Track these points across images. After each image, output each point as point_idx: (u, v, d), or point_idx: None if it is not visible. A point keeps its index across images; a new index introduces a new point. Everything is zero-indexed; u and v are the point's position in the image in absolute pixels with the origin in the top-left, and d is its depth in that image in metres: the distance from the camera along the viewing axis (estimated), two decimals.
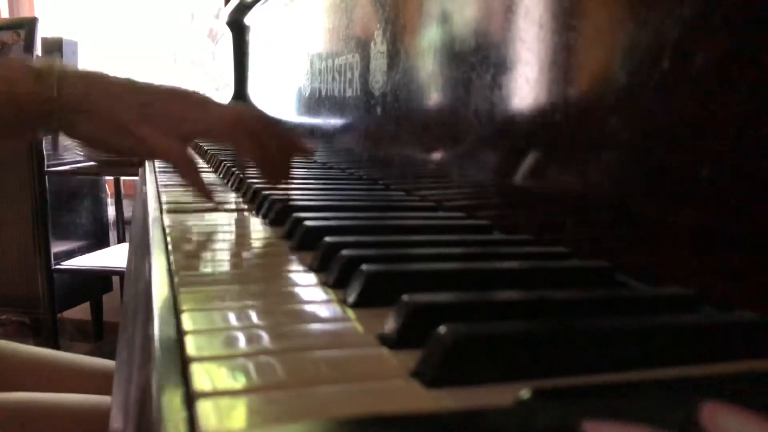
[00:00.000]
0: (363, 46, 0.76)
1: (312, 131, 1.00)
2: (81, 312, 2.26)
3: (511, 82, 0.45)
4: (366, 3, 0.75)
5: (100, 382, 0.74)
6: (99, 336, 2.26)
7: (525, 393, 0.20)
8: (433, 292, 0.28)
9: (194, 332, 0.26)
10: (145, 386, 0.26)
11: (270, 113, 1.33)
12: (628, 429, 0.17)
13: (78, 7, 2.54)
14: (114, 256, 2.05)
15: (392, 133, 0.67)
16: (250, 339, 0.26)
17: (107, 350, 2.04)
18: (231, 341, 0.26)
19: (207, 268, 0.37)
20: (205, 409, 0.20)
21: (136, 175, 1.49)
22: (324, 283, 0.35)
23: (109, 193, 2.26)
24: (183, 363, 0.24)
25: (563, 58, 0.40)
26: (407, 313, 0.26)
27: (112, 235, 2.29)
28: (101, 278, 2.21)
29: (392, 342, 0.26)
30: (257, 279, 0.35)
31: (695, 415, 0.18)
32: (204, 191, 0.53)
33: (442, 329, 0.23)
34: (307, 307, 0.31)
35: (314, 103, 0.98)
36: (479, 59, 0.50)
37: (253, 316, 0.29)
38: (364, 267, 0.32)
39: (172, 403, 0.21)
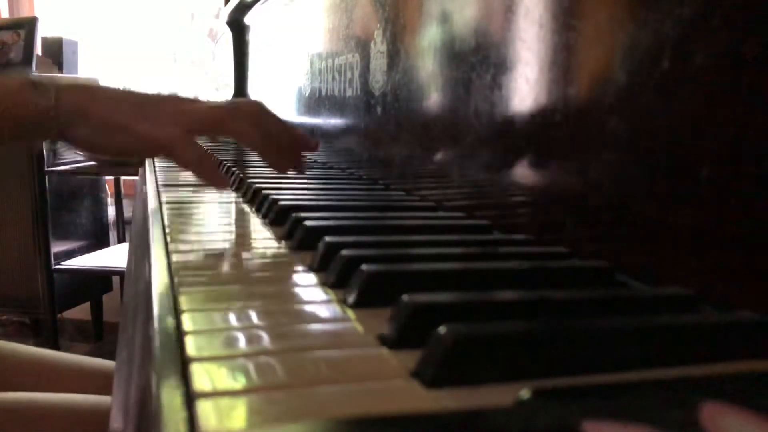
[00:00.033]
0: (363, 46, 0.76)
1: (312, 131, 1.00)
2: (81, 312, 2.26)
3: (511, 82, 0.45)
4: (366, 3, 0.75)
5: (100, 382, 0.74)
6: (99, 336, 2.26)
7: (525, 393, 0.20)
8: (433, 292, 0.28)
9: (194, 332, 0.26)
10: (145, 386, 0.26)
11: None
12: (628, 429, 0.17)
13: (78, 7, 2.54)
14: (114, 256, 2.05)
15: (392, 133, 0.67)
16: (250, 339, 0.26)
17: (107, 350, 2.04)
18: (231, 341, 0.26)
19: (207, 269, 0.37)
20: (205, 409, 0.20)
21: (136, 175, 1.49)
22: (324, 283, 0.35)
23: (109, 193, 2.26)
24: (183, 363, 0.24)
25: (563, 58, 0.40)
26: (407, 313, 0.26)
27: (112, 235, 2.29)
28: (101, 278, 2.21)
29: (392, 342, 0.26)
30: (257, 279, 0.35)
31: (695, 415, 0.18)
32: (214, 180, 0.52)
33: (442, 329, 0.23)
34: (307, 307, 0.31)
35: (314, 102, 0.98)
36: (479, 59, 0.50)
37: (253, 317, 0.29)
38: (364, 267, 0.32)
39: (172, 403, 0.21)
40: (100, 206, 2.26)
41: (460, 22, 0.53)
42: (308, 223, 0.44)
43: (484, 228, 0.48)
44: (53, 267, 1.96)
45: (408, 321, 0.25)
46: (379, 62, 0.70)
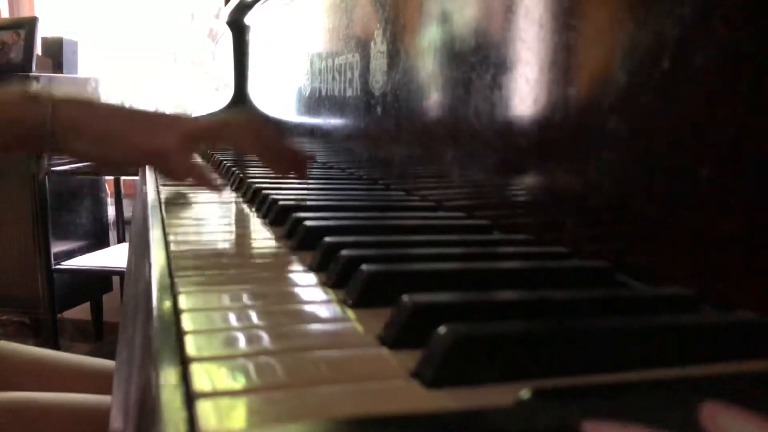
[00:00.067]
0: (363, 46, 0.76)
1: (312, 131, 1.00)
2: (81, 312, 2.26)
3: (511, 82, 0.45)
4: (366, 3, 0.75)
5: (100, 382, 0.74)
6: (99, 336, 2.26)
7: (525, 393, 0.20)
8: (433, 292, 0.28)
9: (194, 332, 0.26)
10: (145, 386, 0.26)
11: (270, 113, 1.33)
12: (628, 429, 0.17)
13: (78, 7, 2.54)
14: (114, 256, 2.05)
15: (392, 133, 0.67)
16: (250, 339, 0.26)
17: (107, 350, 2.04)
18: (231, 341, 0.26)
19: (207, 269, 0.37)
20: (205, 409, 0.20)
21: (136, 175, 1.49)
22: (324, 283, 0.35)
23: (109, 193, 2.26)
24: (183, 363, 0.24)
25: (563, 58, 0.40)
26: (407, 313, 0.26)
27: (112, 235, 2.29)
28: (101, 278, 2.21)
29: (392, 342, 0.26)
30: (257, 279, 0.35)
31: (695, 415, 0.18)
32: (208, 185, 0.53)
33: (442, 329, 0.23)
34: (307, 307, 0.31)
35: (314, 102, 0.98)
36: (479, 59, 0.50)
37: (253, 317, 0.29)
38: (364, 267, 0.32)
39: (172, 403, 0.21)
40: (100, 206, 2.26)
41: (460, 22, 0.53)
42: (308, 223, 0.44)
43: (484, 228, 0.48)
44: (53, 267, 1.96)
45: (408, 321, 0.25)
46: (379, 62, 0.70)
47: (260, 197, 0.58)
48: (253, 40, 1.49)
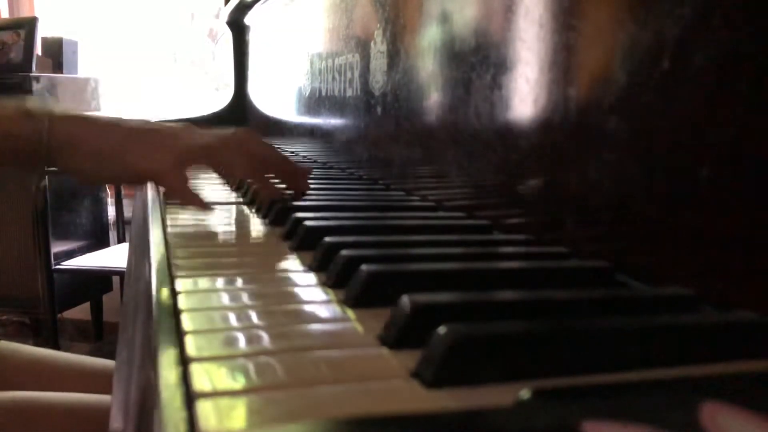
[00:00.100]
0: (363, 46, 0.76)
1: (312, 131, 1.00)
2: (81, 312, 2.26)
3: (511, 82, 0.45)
4: (366, 3, 0.75)
5: (100, 382, 0.74)
6: (99, 336, 2.26)
7: (525, 393, 0.20)
8: (433, 292, 0.28)
9: (194, 332, 0.26)
10: (145, 386, 0.26)
11: (270, 113, 1.33)
12: (628, 429, 0.17)
13: (78, 7, 2.54)
14: (114, 256, 2.05)
15: (392, 133, 0.67)
16: (250, 339, 0.26)
17: (107, 350, 2.04)
18: (231, 341, 0.26)
19: (207, 269, 0.37)
20: (204, 409, 0.20)
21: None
22: (324, 283, 0.35)
23: (109, 193, 2.26)
24: (183, 363, 0.24)
25: (563, 58, 0.40)
26: (407, 313, 0.26)
27: (112, 235, 2.29)
28: (101, 278, 2.21)
29: (392, 342, 0.26)
30: (257, 279, 0.35)
31: (695, 415, 0.18)
32: (198, 206, 0.53)
33: (442, 329, 0.23)
34: (307, 308, 0.31)
35: (314, 103, 0.98)
36: (479, 59, 0.50)
37: (253, 317, 0.29)
38: (363, 267, 0.32)
39: (172, 403, 0.21)
40: (100, 206, 2.26)
41: (460, 22, 0.53)
42: (308, 223, 0.44)
43: (484, 228, 0.48)
44: (53, 267, 1.96)
45: (408, 321, 0.25)
46: (379, 62, 0.70)
47: (260, 198, 0.58)
48: (253, 40, 1.49)
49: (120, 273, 1.97)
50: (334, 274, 0.34)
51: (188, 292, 0.32)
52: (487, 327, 0.23)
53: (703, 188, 0.30)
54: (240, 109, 1.54)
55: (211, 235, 0.50)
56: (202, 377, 0.22)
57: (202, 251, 0.43)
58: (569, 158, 0.39)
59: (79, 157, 0.50)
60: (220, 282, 0.35)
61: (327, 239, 0.38)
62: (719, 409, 0.18)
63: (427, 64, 0.59)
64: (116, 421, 0.35)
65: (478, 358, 0.22)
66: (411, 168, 0.64)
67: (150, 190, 0.67)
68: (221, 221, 0.55)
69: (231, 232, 0.52)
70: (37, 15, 2.33)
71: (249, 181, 0.63)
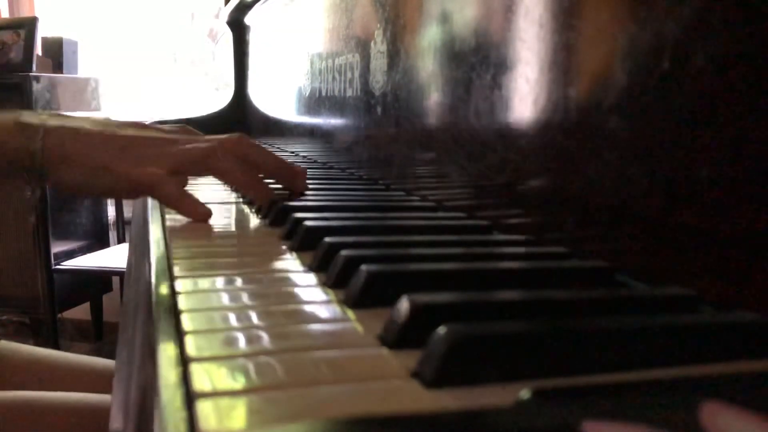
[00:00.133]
0: (363, 46, 0.76)
1: (312, 131, 1.00)
2: (81, 312, 2.26)
3: (511, 82, 0.45)
4: (366, 3, 0.75)
5: (100, 382, 0.75)
6: (99, 336, 2.26)
7: (525, 393, 0.20)
8: (433, 292, 0.28)
9: (194, 332, 0.26)
10: (145, 386, 0.26)
11: (270, 113, 1.33)
12: (628, 429, 0.17)
13: (78, 7, 2.54)
14: (114, 256, 2.05)
15: (392, 133, 0.67)
16: (250, 339, 0.26)
17: (107, 350, 2.04)
18: (231, 341, 0.26)
19: (207, 269, 0.37)
20: (204, 409, 0.20)
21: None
22: (324, 284, 0.35)
23: None
24: (183, 363, 0.24)
25: (563, 58, 0.40)
26: (407, 313, 0.26)
27: (112, 235, 2.30)
28: (101, 278, 2.21)
29: (392, 342, 0.26)
30: (257, 279, 0.35)
31: (695, 415, 0.18)
32: (197, 216, 0.52)
33: (442, 329, 0.23)
34: (307, 308, 0.31)
35: (314, 103, 0.98)
36: (479, 59, 0.50)
37: (253, 317, 0.29)
38: (363, 267, 0.32)
39: (172, 403, 0.21)
40: (100, 206, 2.26)
41: (460, 22, 0.53)
42: (308, 223, 0.44)
43: (484, 228, 0.48)
44: (53, 267, 1.96)
45: (408, 321, 0.25)
46: (379, 62, 0.70)
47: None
48: (253, 40, 1.49)
49: (120, 273, 1.98)
50: (334, 275, 0.34)
51: (188, 293, 0.32)
52: (487, 327, 0.23)
53: (703, 188, 0.30)
54: (240, 109, 1.54)
55: (211, 236, 0.50)
56: (202, 377, 0.22)
57: (202, 251, 0.43)
58: (569, 158, 0.39)
59: (71, 171, 0.50)
60: (220, 282, 0.35)
61: (327, 239, 0.38)
62: (719, 409, 0.18)
63: (427, 64, 0.59)
64: (116, 421, 0.35)
65: (478, 358, 0.22)
66: (411, 168, 0.64)
67: None
68: (221, 221, 0.55)
69: (231, 232, 0.52)
70: (37, 15, 2.33)
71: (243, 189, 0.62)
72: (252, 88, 1.51)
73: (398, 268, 0.32)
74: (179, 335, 0.26)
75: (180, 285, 0.33)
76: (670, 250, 0.32)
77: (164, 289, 0.34)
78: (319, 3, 0.95)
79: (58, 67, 2.22)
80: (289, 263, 0.39)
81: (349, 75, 0.81)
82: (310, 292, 0.33)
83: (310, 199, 0.59)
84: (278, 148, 1.14)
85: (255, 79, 1.49)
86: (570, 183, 0.39)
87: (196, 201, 0.52)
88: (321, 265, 0.37)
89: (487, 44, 0.49)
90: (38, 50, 2.14)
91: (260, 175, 0.58)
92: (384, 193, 0.66)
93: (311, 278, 0.36)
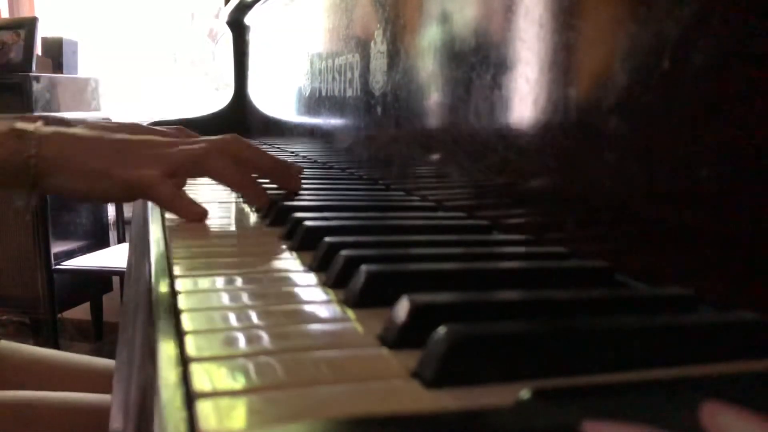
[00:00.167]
0: (363, 46, 0.76)
1: (312, 131, 1.00)
2: (81, 312, 2.26)
3: (511, 82, 0.45)
4: (366, 3, 0.76)
5: (100, 382, 0.75)
6: (99, 336, 2.26)
7: (525, 393, 0.20)
8: (433, 292, 0.28)
9: (194, 332, 0.26)
10: (145, 386, 0.26)
11: (270, 113, 1.33)
12: (628, 429, 0.17)
13: (78, 7, 2.54)
14: (114, 256, 2.05)
15: (392, 133, 0.67)
16: (250, 339, 0.26)
17: (107, 350, 2.04)
18: (231, 341, 0.26)
19: (207, 269, 0.37)
20: (204, 409, 0.20)
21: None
22: (324, 283, 0.35)
23: None
24: (183, 363, 0.24)
25: (563, 58, 0.40)
26: (407, 313, 0.26)
27: (112, 235, 2.29)
28: (101, 278, 2.21)
29: (392, 342, 0.26)
30: (257, 279, 0.35)
31: (695, 415, 0.18)
32: (192, 216, 0.52)
33: (442, 329, 0.23)
34: (307, 308, 0.31)
35: (314, 103, 0.98)
36: (479, 59, 0.50)
37: (253, 317, 0.29)
38: (363, 267, 0.32)
39: (172, 403, 0.21)
40: (100, 206, 2.26)
41: (460, 22, 0.53)
42: (308, 223, 0.44)
43: (484, 228, 0.48)
44: (53, 267, 1.96)
45: (408, 321, 0.25)
46: (379, 62, 0.70)
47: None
48: (253, 40, 1.49)
49: (120, 273, 1.97)
50: (334, 274, 0.34)
51: (188, 292, 0.32)
52: (487, 327, 0.23)
53: (703, 188, 0.30)
54: (240, 109, 1.54)
55: (211, 235, 0.50)
56: (202, 377, 0.22)
57: (202, 251, 0.43)
58: (569, 158, 0.39)
59: (66, 176, 0.50)
60: (220, 282, 0.35)
61: (327, 239, 0.38)
62: (719, 409, 0.18)
63: (427, 64, 0.59)
64: (116, 421, 0.35)
65: (478, 358, 0.22)
66: (411, 168, 0.64)
67: None
68: (221, 221, 0.55)
69: (231, 231, 0.52)
70: (37, 15, 2.33)
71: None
72: (252, 88, 1.51)
73: (398, 268, 0.32)
74: (179, 335, 0.26)
75: (180, 285, 0.33)
76: (670, 250, 0.32)
77: (164, 289, 0.34)
78: (319, 3, 0.95)
79: (58, 67, 2.22)
80: (289, 263, 0.39)
81: (349, 75, 0.81)
82: (310, 291, 0.33)
83: (310, 199, 0.59)
84: (278, 148, 1.14)
85: (255, 79, 1.49)
86: (570, 183, 0.39)
87: (191, 201, 0.52)
88: (321, 264, 0.37)
89: (487, 44, 0.49)
90: (38, 50, 2.14)
91: (255, 176, 0.58)
92: (384, 193, 0.66)
93: (311, 278, 0.36)
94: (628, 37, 0.34)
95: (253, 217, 0.56)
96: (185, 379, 0.22)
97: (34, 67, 2.06)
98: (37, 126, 0.50)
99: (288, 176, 0.59)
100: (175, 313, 0.29)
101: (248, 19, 1.49)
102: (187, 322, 0.28)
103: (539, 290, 0.31)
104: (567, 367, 0.23)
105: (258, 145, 0.62)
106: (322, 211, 0.52)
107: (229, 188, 0.55)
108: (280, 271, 0.38)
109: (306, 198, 0.59)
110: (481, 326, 0.23)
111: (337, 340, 0.27)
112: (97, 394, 0.69)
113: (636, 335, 0.25)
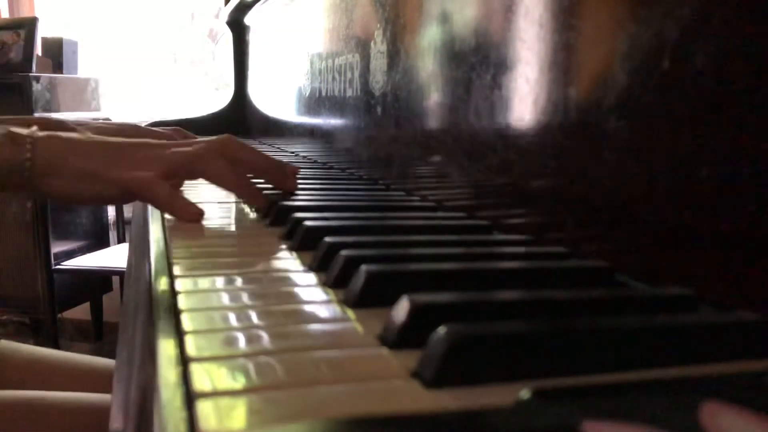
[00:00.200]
0: (363, 46, 0.76)
1: (312, 131, 1.00)
2: (81, 312, 2.26)
3: (511, 82, 0.45)
4: (366, 3, 0.76)
5: (100, 382, 0.75)
6: (99, 336, 2.26)
7: (525, 393, 0.20)
8: (433, 292, 0.28)
9: (194, 332, 0.26)
10: (145, 386, 0.26)
11: (270, 113, 1.33)
12: (628, 429, 0.17)
13: (78, 7, 2.54)
14: (114, 256, 2.05)
15: (392, 133, 0.67)
16: (250, 339, 0.26)
17: (107, 350, 2.04)
18: (231, 341, 0.26)
19: (207, 268, 0.37)
20: (205, 409, 0.20)
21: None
22: (324, 283, 0.35)
23: None
24: (183, 363, 0.24)
25: (563, 58, 0.40)
26: (407, 313, 0.26)
27: (112, 235, 2.29)
28: (101, 278, 2.21)
29: (392, 342, 0.26)
30: (257, 279, 0.35)
31: (695, 415, 0.18)
32: (189, 216, 0.52)
33: (442, 329, 0.23)
34: (307, 307, 0.31)
35: (314, 103, 0.98)
36: (479, 59, 0.50)
37: (253, 317, 0.29)
38: (363, 267, 0.32)
39: (172, 403, 0.21)
40: (100, 206, 2.26)
41: (460, 22, 0.53)
42: (308, 223, 0.44)
43: (484, 228, 0.48)
44: (53, 267, 1.96)
45: (408, 321, 0.25)
46: (379, 62, 0.70)
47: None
48: (253, 40, 1.49)
49: (120, 273, 1.98)
50: (334, 274, 0.34)
51: (188, 292, 0.32)
52: (487, 327, 0.23)
53: (703, 188, 0.30)
54: (240, 109, 1.54)
55: (211, 235, 0.50)
56: (202, 377, 0.22)
57: (202, 251, 0.43)
58: (569, 158, 0.39)
59: (62, 180, 0.50)
60: (220, 282, 0.35)
61: (327, 239, 0.38)
62: (719, 409, 0.18)
63: (427, 64, 0.59)
64: (116, 421, 0.35)
65: (478, 358, 0.22)
66: (411, 168, 0.64)
67: None
68: (221, 221, 0.55)
69: (231, 231, 0.52)
70: (37, 15, 2.33)
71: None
72: (252, 88, 1.51)
73: (398, 268, 0.32)
74: (179, 335, 0.26)
75: (180, 284, 0.33)
76: (670, 250, 0.32)
77: (164, 289, 0.34)
78: (319, 3, 0.95)
79: (58, 67, 2.22)
80: (289, 263, 0.39)
81: (349, 75, 0.81)
82: (310, 291, 0.33)
83: (310, 199, 0.59)
84: (278, 148, 1.14)
85: (255, 79, 1.49)
86: (570, 183, 0.39)
87: (187, 202, 0.52)
88: (321, 264, 0.37)
89: (487, 44, 0.49)
90: (38, 50, 2.14)
91: (250, 176, 0.58)
92: (384, 193, 0.66)
93: (311, 278, 0.36)
94: (628, 37, 0.34)
95: (252, 217, 0.56)
96: (185, 379, 0.22)
97: (34, 67, 2.06)
98: (32, 130, 0.50)
99: (283, 176, 0.59)
100: (175, 313, 0.29)
101: (248, 19, 1.49)
102: (187, 322, 0.28)
103: (539, 290, 0.31)
104: (567, 367, 0.23)
105: (258, 146, 0.62)
106: (322, 211, 0.52)
107: (224, 190, 0.55)
108: (280, 271, 0.38)
109: (306, 198, 0.59)
110: (481, 326, 0.23)
111: (337, 340, 0.27)
112: (97, 394, 0.69)
113: (636, 335, 0.25)
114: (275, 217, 0.51)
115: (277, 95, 1.26)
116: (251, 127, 1.48)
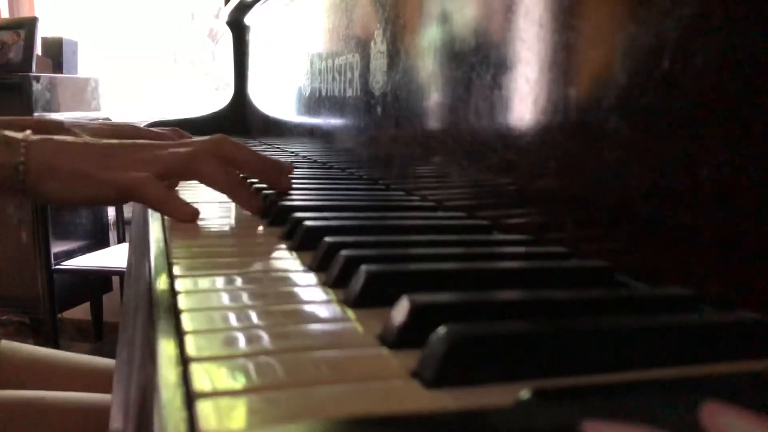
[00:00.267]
0: (363, 46, 0.76)
1: (312, 131, 1.00)
2: (81, 312, 2.26)
3: (511, 82, 0.45)
4: (366, 3, 0.76)
5: (100, 382, 0.75)
6: (99, 336, 2.26)
7: (525, 393, 0.20)
8: (433, 292, 0.28)
9: (194, 332, 0.26)
10: (145, 386, 0.26)
11: (270, 113, 1.33)
12: (628, 429, 0.17)
13: (78, 7, 2.54)
14: (114, 256, 2.05)
15: (392, 133, 0.67)
16: (250, 339, 0.26)
17: (107, 350, 2.04)
18: (231, 341, 0.26)
19: (207, 268, 0.37)
20: (205, 409, 0.20)
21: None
22: (324, 283, 0.35)
23: None
24: (183, 363, 0.24)
25: (563, 58, 0.40)
26: (407, 313, 0.26)
27: (112, 235, 2.30)
28: (101, 278, 2.21)
29: (392, 342, 0.26)
30: (257, 279, 0.35)
31: (695, 415, 0.18)
32: (184, 216, 0.52)
33: (442, 329, 0.23)
34: (307, 307, 0.31)
35: (314, 103, 0.98)
36: (479, 59, 0.50)
37: (253, 316, 0.29)
38: (363, 267, 0.32)
39: (172, 403, 0.21)
40: (100, 206, 2.26)
41: (460, 22, 0.53)
42: (308, 223, 0.44)
43: (484, 228, 0.48)
44: (53, 267, 1.96)
45: (408, 321, 0.25)
46: (379, 62, 0.70)
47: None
48: (253, 40, 1.49)
49: (120, 273, 1.98)
50: (334, 274, 0.34)
51: (188, 292, 0.32)
52: (487, 327, 0.23)
53: (703, 188, 0.30)
54: (240, 109, 1.54)
55: (211, 235, 0.50)
56: (202, 377, 0.22)
57: (202, 251, 0.43)
58: (569, 158, 0.39)
59: (56, 183, 0.50)
60: (220, 282, 0.35)
61: (327, 239, 0.38)
62: (719, 409, 0.18)
63: (427, 64, 0.59)
64: (116, 421, 0.35)
65: (478, 358, 0.22)
66: (411, 168, 0.64)
67: None
68: (221, 221, 0.55)
69: (231, 231, 0.52)
70: (37, 15, 2.33)
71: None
72: (252, 88, 1.51)
73: (398, 268, 0.32)
74: (179, 335, 0.26)
75: (180, 284, 0.33)
76: (670, 250, 0.32)
77: (164, 289, 0.34)
78: (319, 3, 0.95)
79: (58, 67, 2.22)
80: (289, 263, 0.39)
81: (349, 75, 0.81)
82: (310, 291, 0.33)
83: (310, 198, 0.59)
84: (278, 148, 1.14)
85: (255, 79, 1.49)
86: (570, 183, 0.39)
87: (182, 202, 0.52)
88: (321, 264, 0.37)
89: (487, 44, 0.49)
90: (38, 50, 2.14)
91: (244, 176, 0.58)
92: (384, 192, 0.66)
93: (311, 278, 0.36)
94: (628, 37, 0.34)
95: (252, 217, 0.56)
96: (185, 379, 0.22)
97: (34, 67, 2.06)
98: (26, 134, 0.50)
99: (278, 175, 0.59)
100: (175, 313, 0.29)
101: (248, 19, 1.49)
102: (187, 322, 0.28)
103: (539, 290, 0.31)
104: (567, 367, 0.23)
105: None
106: (322, 211, 0.52)
107: (217, 191, 0.55)
108: (280, 271, 0.38)
109: (306, 198, 0.59)
110: (481, 326, 0.23)
111: (337, 340, 0.27)
112: (97, 394, 0.69)
113: (636, 335, 0.25)
114: (275, 217, 0.51)
115: (277, 95, 1.26)
116: (251, 127, 1.48)
